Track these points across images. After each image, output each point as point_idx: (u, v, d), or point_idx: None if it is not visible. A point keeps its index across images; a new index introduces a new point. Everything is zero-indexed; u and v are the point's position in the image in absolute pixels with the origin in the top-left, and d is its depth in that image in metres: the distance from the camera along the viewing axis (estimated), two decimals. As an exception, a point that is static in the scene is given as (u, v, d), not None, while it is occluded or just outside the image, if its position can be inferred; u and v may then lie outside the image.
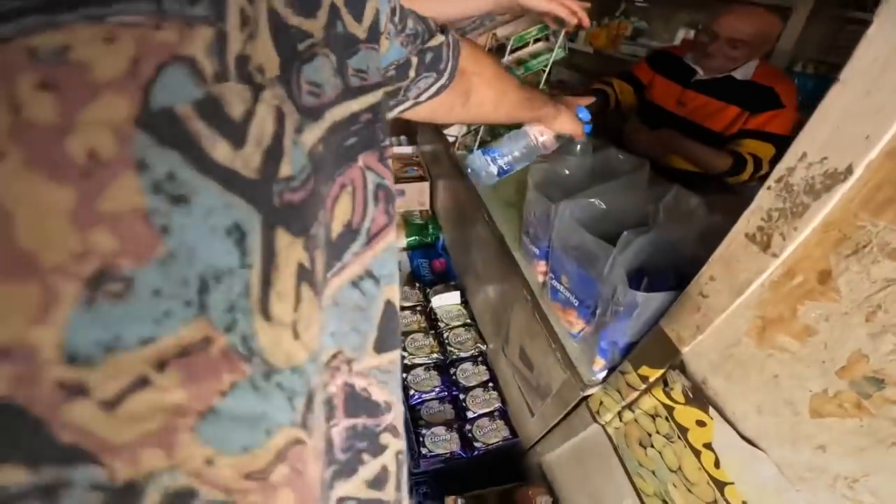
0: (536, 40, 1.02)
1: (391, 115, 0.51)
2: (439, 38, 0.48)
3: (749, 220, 0.46)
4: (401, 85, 0.46)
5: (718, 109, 1.44)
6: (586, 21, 0.84)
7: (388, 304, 0.32)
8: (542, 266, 0.80)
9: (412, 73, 0.45)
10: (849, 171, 0.37)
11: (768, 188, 0.44)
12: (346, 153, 0.28)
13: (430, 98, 0.52)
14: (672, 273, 0.61)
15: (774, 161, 1.31)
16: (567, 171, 0.80)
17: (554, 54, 1.01)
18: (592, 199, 0.68)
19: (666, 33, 2.81)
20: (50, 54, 0.16)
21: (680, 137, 1.42)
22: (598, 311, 0.67)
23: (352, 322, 0.30)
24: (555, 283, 0.75)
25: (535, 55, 1.02)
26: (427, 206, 2.09)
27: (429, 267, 1.80)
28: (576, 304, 0.72)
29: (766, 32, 1.37)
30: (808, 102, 1.37)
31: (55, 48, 0.16)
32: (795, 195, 0.41)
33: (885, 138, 0.35)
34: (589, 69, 2.96)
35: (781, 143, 1.37)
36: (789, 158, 0.42)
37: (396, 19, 0.39)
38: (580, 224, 0.65)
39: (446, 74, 0.51)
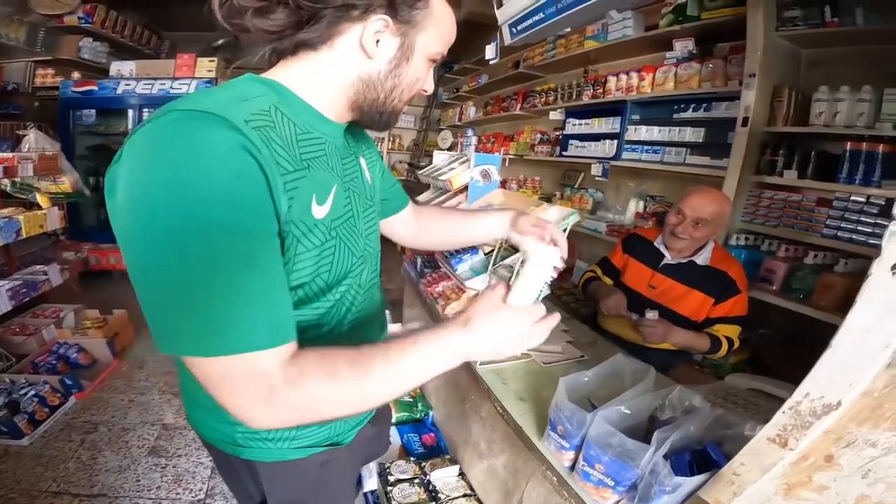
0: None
1: None
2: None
3: (770, 430, 0.65)
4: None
5: (684, 293, 1.71)
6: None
7: None
8: (570, 455, 0.94)
9: None
10: (839, 404, 0.57)
11: (783, 412, 0.64)
12: None
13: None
14: (696, 454, 0.81)
15: (740, 335, 1.57)
16: (586, 378, 1.00)
17: (544, 292, 1.21)
18: (619, 406, 0.87)
19: (619, 204, 3.26)
20: None
21: (671, 328, 1.63)
22: (639, 488, 0.81)
23: None
24: (588, 469, 0.87)
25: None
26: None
27: (419, 441, 1.93)
28: (611, 485, 0.84)
29: (723, 211, 1.68)
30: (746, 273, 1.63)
31: None
32: (803, 417, 0.61)
33: (862, 385, 0.55)
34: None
35: (744, 321, 1.67)
36: (797, 395, 0.62)
37: None
38: (614, 427, 0.82)
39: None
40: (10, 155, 2.83)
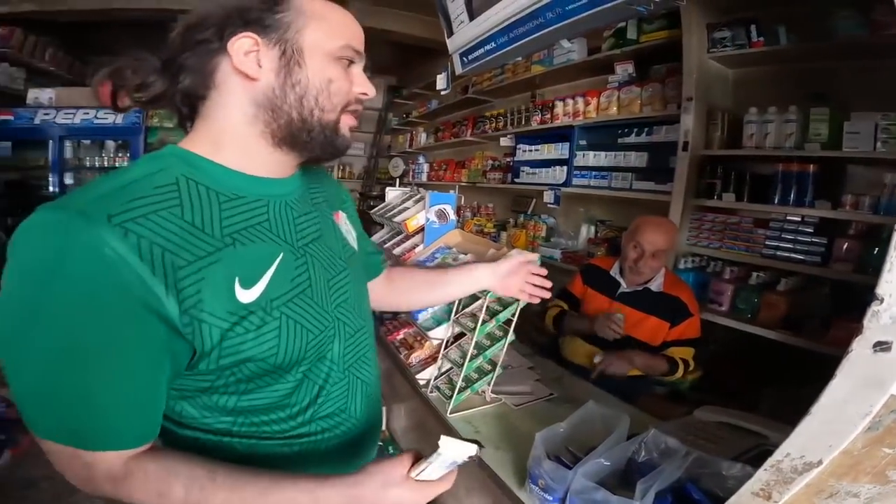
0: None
1: None
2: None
3: (753, 484, 0.66)
4: None
5: (641, 320, 1.75)
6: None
7: None
8: (556, 506, 0.91)
9: None
10: (819, 462, 0.57)
11: (765, 469, 0.64)
12: None
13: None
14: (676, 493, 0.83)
15: (695, 356, 1.61)
16: (562, 429, 0.97)
17: (508, 338, 1.25)
18: (599, 459, 0.85)
19: (571, 230, 3.31)
20: None
21: (635, 354, 1.67)
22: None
23: None
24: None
25: (493, 339, 1.26)
26: (384, 427, 2.13)
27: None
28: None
29: (673, 239, 1.76)
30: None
31: None
32: (785, 473, 0.61)
33: (841, 446, 0.55)
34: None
35: (697, 343, 1.73)
36: (778, 454, 0.62)
37: None
38: (596, 482, 0.80)
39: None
40: None
